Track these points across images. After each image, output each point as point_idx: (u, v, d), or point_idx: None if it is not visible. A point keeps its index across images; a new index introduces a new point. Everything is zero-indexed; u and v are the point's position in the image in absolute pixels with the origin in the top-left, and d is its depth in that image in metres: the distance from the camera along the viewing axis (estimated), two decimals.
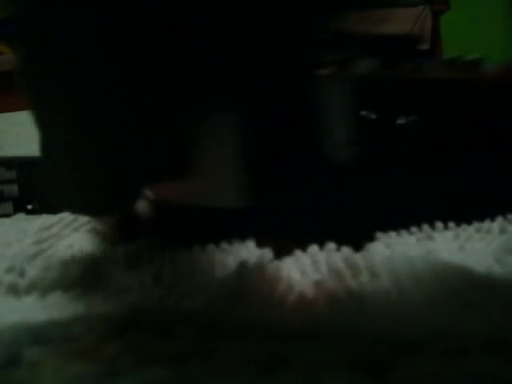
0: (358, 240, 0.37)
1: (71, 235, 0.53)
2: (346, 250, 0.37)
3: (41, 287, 0.35)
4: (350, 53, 0.42)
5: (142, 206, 0.40)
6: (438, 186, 0.41)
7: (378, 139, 0.40)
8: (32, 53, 0.27)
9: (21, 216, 0.65)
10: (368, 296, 0.29)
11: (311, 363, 0.18)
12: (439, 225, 0.41)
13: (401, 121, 0.41)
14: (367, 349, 0.19)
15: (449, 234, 0.40)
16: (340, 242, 0.37)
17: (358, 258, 0.35)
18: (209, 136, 0.37)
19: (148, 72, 0.23)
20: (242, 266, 0.35)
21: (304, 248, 0.37)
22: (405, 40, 0.43)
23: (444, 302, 0.27)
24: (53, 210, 0.67)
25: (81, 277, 0.38)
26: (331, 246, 0.38)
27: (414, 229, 0.41)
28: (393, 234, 0.40)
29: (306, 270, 0.35)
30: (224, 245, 0.38)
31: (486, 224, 0.41)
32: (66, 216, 0.58)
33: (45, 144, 0.32)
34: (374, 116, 0.40)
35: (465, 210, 0.41)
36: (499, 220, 0.41)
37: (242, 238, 0.38)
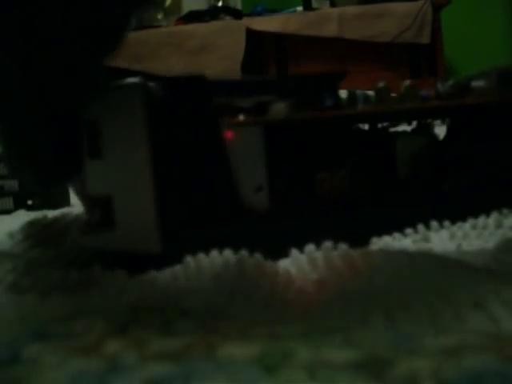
0: None
1: (73, 232, 0.53)
2: (344, 248, 0.37)
3: (42, 286, 0.35)
4: (262, 98, 0.42)
5: None
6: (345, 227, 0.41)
7: (290, 185, 0.41)
8: None
9: (21, 212, 0.65)
10: (366, 294, 0.29)
11: (311, 361, 0.18)
12: (434, 224, 0.41)
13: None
14: (367, 346, 0.19)
15: (444, 233, 0.40)
16: None
17: (357, 255, 0.35)
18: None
19: None
20: (241, 262, 0.35)
21: None
22: (327, 77, 0.43)
23: (443, 299, 0.27)
24: (53, 205, 0.67)
25: (81, 276, 0.39)
26: (328, 244, 0.38)
27: (408, 230, 0.41)
28: (387, 237, 0.40)
29: (304, 268, 0.35)
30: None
31: (482, 220, 0.41)
32: (68, 212, 0.58)
33: None
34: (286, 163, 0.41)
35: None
36: (495, 215, 0.41)
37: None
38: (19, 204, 0.68)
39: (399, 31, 1.77)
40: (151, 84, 0.40)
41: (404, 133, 0.46)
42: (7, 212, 0.66)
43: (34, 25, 0.26)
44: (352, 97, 0.43)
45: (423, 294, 0.28)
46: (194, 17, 1.92)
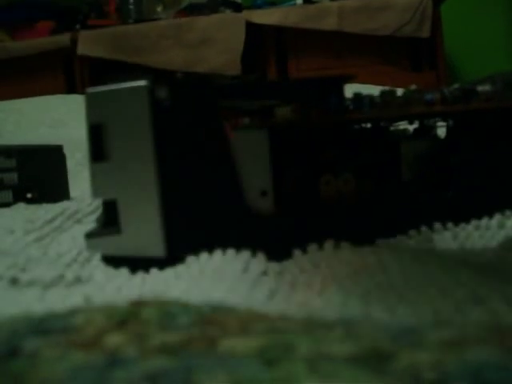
0: None
1: (74, 227, 0.53)
2: (346, 246, 0.37)
3: (42, 281, 0.35)
4: (267, 101, 0.42)
5: None
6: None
7: (297, 187, 0.41)
8: None
9: (21, 206, 0.65)
10: (368, 289, 0.29)
11: (311, 354, 0.18)
12: (437, 226, 0.41)
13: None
14: (368, 340, 0.19)
15: (447, 234, 0.40)
16: None
17: (359, 253, 0.35)
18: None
19: None
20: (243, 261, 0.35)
21: None
22: (333, 81, 0.43)
23: (445, 294, 0.27)
24: (53, 198, 0.67)
25: (81, 271, 0.38)
26: (330, 243, 0.38)
27: (412, 232, 0.41)
28: (391, 239, 0.41)
29: (306, 266, 0.35)
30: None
31: (484, 221, 0.41)
32: (68, 206, 0.58)
33: None
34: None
35: None
36: (497, 216, 0.41)
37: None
38: (18, 197, 0.68)
39: (399, 25, 1.77)
40: (157, 87, 0.40)
41: (407, 136, 0.46)
42: (6, 205, 0.66)
43: None
44: (358, 100, 0.43)
45: (425, 289, 0.28)
46: (194, 10, 1.92)
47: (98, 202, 0.56)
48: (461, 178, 0.42)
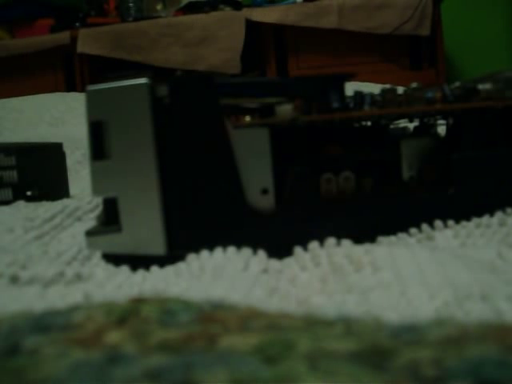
0: None
1: (74, 224, 0.53)
2: (347, 244, 0.37)
3: (42, 279, 0.35)
4: (269, 99, 0.42)
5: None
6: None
7: (298, 186, 0.41)
8: None
9: (21, 203, 0.65)
10: (368, 286, 0.29)
11: (312, 351, 0.18)
12: (438, 223, 0.41)
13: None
14: (368, 337, 0.19)
15: (448, 232, 0.40)
16: None
17: (361, 252, 0.35)
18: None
19: None
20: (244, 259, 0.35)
21: None
22: (334, 79, 0.43)
23: (446, 291, 0.27)
24: (53, 196, 0.67)
25: (81, 269, 0.38)
26: (331, 241, 0.38)
27: (413, 230, 0.41)
28: (392, 237, 0.41)
29: (307, 264, 0.35)
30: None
31: (485, 219, 0.41)
32: (68, 204, 0.58)
33: None
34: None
35: None
36: (498, 214, 0.41)
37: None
38: (18, 195, 0.68)
39: (399, 23, 1.76)
40: (157, 84, 0.40)
41: (408, 134, 0.46)
42: (6, 203, 0.66)
43: None
44: (358, 98, 0.43)
45: (425, 287, 0.28)
46: (194, 8, 1.91)
47: (98, 200, 0.56)
48: (461, 176, 0.42)
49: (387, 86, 0.45)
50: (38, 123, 1.47)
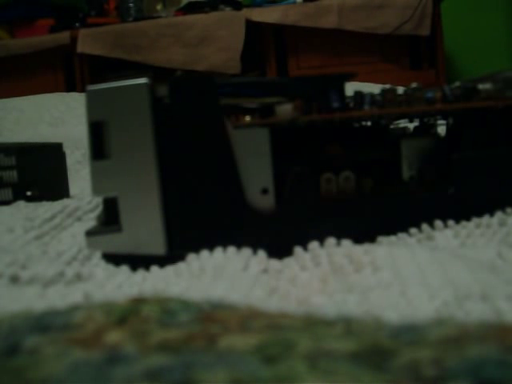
0: None
1: (74, 224, 0.53)
2: (347, 244, 0.37)
3: (42, 279, 0.35)
4: (269, 99, 0.42)
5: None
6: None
7: (296, 187, 0.41)
8: None
9: (21, 203, 0.65)
10: (368, 286, 0.29)
11: (312, 351, 0.18)
12: (438, 223, 0.41)
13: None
14: (368, 337, 0.19)
15: (448, 232, 0.40)
16: None
17: (361, 252, 0.35)
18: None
19: None
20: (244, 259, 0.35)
21: None
22: (334, 78, 0.43)
23: (446, 291, 0.27)
24: (53, 196, 0.67)
25: (81, 269, 0.38)
26: (331, 241, 0.38)
27: (413, 230, 0.41)
28: (392, 237, 0.41)
29: (307, 264, 0.35)
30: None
31: (485, 219, 0.41)
32: (68, 204, 0.58)
33: None
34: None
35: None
36: (498, 214, 0.41)
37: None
38: (18, 195, 0.68)
39: (399, 23, 1.77)
40: (157, 84, 0.40)
41: (408, 134, 0.46)
42: (6, 203, 0.66)
43: None
44: (358, 98, 0.43)
45: (425, 287, 0.28)
46: (194, 8, 1.92)
47: (98, 200, 0.56)
48: (461, 176, 0.42)
49: (387, 86, 0.45)
50: (38, 123, 1.47)
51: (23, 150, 0.71)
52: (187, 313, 0.22)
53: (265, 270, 0.36)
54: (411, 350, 0.18)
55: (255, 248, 0.38)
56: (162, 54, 1.83)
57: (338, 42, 1.85)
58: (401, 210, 0.42)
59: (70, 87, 1.86)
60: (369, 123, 0.45)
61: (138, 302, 0.23)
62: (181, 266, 0.37)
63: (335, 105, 0.42)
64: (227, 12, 1.89)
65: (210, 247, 0.38)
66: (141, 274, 0.37)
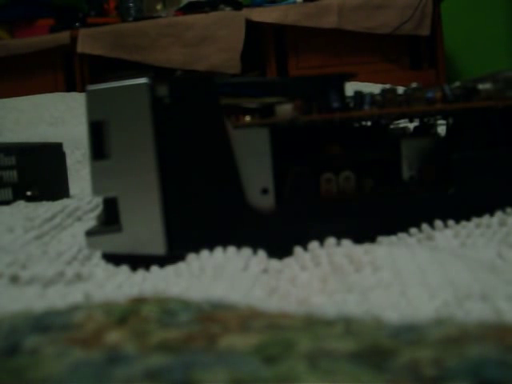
0: None
1: (74, 224, 0.53)
2: (347, 244, 0.37)
3: (42, 279, 0.35)
4: (269, 99, 0.42)
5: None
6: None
7: (296, 187, 0.41)
8: None
9: (21, 203, 0.65)
10: (369, 287, 0.29)
11: (312, 351, 0.18)
12: (438, 223, 0.41)
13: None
14: (368, 337, 0.19)
15: (448, 232, 0.40)
16: None
17: (361, 252, 0.35)
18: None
19: None
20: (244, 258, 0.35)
21: None
22: (334, 78, 0.43)
23: (446, 291, 0.27)
24: (52, 196, 0.67)
25: (81, 269, 0.38)
26: (331, 241, 0.38)
27: (413, 230, 0.41)
28: (392, 237, 0.41)
29: (307, 264, 0.35)
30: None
31: (485, 219, 0.41)
32: (68, 204, 0.58)
33: None
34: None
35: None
36: (498, 214, 0.41)
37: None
38: (18, 195, 0.68)
39: (399, 23, 1.77)
40: (157, 84, 0.40)
41: (408, 133, 0.46)
42: (6, 203, 0.66)
43: None
44: (358, 98, 0.43)
45: (425, 287, 0.28)
46: (194, 8, 1.92)
47: (98, 200, 0.56)
48: (461, 176, 0.42)
49: (387, 86, 0.45)
50: (37, 123, 1.47)
51: (23, 149, 0.71)
52: (187, 313, 0.22)
53: (265, 270, 0.36)
54: (411, 350, 0.18)
55: (255, 248, 0.38)
56: (161, 54, 1.83)
57: (337, 42, 1.85)
58: (401, 210, 0.42)
59: (70, 87, 1.86)
60: (369, 123, 0.45)
61: (137, 302, 0.23)
62: (181, 266, 0.37)
63: (335, 105, 0.42)
64: (227, 12, 1.89)
65: (210, 247, 0.38)
66: (141, 273, 0.37)
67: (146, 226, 0.40)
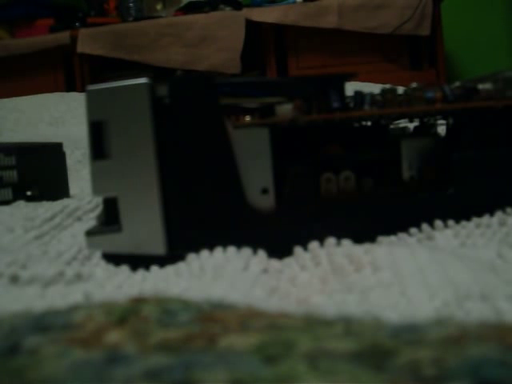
0: None
1: (74, 224, 0.53)
2: (347, 244, 0.37)
3: (42, 279, 0.35)
4: (269, 99, 0.42)
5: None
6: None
7: (296, 187, 0.41)
8: None
9: (21, 203, 0.65)
10: (369, 287, 0.29)
11: (312, 351, 0.18)
12: (439, 223, 0.41)
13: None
14: (368, 337, 0.19)
15: (449, 232, 0.40)
16: None
17: (361, 252, 0.35)
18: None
19: None
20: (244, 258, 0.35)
21: None
22: (334, 78, 0.43)
23: (446, 291, 0.27)
24: (53, 196, 0.67)
25: (81, 269, 0.38)
26: (331, 241, 0.38)
27: (413, 230, 0.41)
28: (392, 237, 0.41)
29: (307, 264, 0.35)
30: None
31: (485, 219, 0.41)
32: (68, 204, 0.58)
33: None
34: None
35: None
36: (498, 214, 0.41)
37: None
38: (18, 195, 0.68)
39: (399, 23, 1.77)
40: (157, 84, 0.40)
41: (408, 133, 0.46)
42: (6, 203, 0.66)
43: None
44: (358, 98, 0.43)
45: (425, 287, 0.28)
46: (194, 7, 1.92)
47: (98, 200, 0.56)
48: (461, 176, 0.42)
49: (387, 85, 0.45)
50: (37, 123, 1.47)
51: (23, 150, 0.71)
52: (187, 313, 0.22)
53: (265, 270, 0.36)
54: (411, 350, 0.18)
55: (255, 248, 0.38)
56: (161, 54, 1.83)
57: (338, 41, 1.85)
58: (401, 210, 0.42)
59: (70, 87, 1.86)
60: (369, 123, 0.45)
61: (137, 302, 0.23)
62: (181, 265, 0.37)
63: (335, 105, 0.42)
64: (227, 12, 1.89)
65: (210, 247, 0.38)
66: (141, 273, 0.37)
67: (145, 226, 0.40)
